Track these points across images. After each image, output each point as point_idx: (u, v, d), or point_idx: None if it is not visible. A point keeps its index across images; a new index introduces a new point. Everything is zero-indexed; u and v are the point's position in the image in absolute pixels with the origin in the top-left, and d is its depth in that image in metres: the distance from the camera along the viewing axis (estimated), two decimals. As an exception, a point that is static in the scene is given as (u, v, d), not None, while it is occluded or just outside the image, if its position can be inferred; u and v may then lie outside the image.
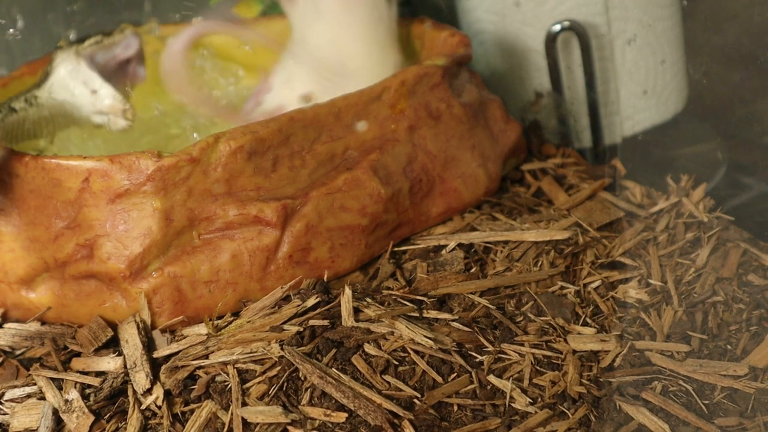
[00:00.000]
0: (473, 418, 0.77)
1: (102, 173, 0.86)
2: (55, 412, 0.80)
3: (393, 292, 0.89)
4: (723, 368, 0.81)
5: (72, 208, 0.87)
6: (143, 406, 0.80)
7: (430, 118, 0.99)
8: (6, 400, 0.82)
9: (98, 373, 0.83)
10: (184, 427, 0.78)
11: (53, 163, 0.86)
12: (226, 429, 0.76)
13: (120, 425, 0.79)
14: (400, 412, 0.76)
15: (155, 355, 0.84)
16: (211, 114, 1.13)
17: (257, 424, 0.76)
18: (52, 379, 0.83)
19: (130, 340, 0.85)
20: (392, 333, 0.83)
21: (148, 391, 0.81)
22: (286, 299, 0.88)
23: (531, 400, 0.78)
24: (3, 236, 0.89)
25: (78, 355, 0.85)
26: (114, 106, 0.96)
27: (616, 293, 0.90)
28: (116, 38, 0.97)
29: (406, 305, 0.87)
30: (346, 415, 0.76)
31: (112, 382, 0.82)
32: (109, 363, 0.83)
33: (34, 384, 0.83)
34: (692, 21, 1.21)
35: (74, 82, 0.95)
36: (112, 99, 0.96)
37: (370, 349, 0.82)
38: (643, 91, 1.19)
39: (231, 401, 0.78)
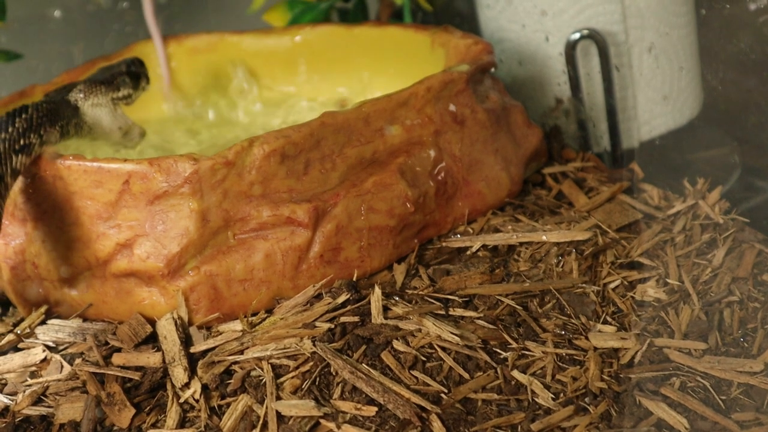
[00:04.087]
0: (498, 413, 0.80)
1: (141, 176, 0.88)
2: (98, 404, 0.83)
3: (419, 291, 0.92)
4: (739, 365, 0.83)
5: (113, 209, 0.90)
6: (182, 400, 0.83)
7: (455, 123, 1.02)
8: (51, 394, 0.85)
9: (138, 368, 0.86)
10: (221, 419, 0.81)
11: (95, 166, 0.89)
12: (261, 422, 0.79)
13: (159, 418, 0.82)
14: (427, 406, 0.79)
15: (192, 350, 0.87)
16: None
17: (291, 417, 0.79)
18: (95, 373, 0.86)
19: (169, 336, 0.88)
20: (420, 330, 0.86)
21: (186, 385, 0.84)
22: (318, 297, 0.91)
23: (554, 396, 0.81)
24: (47, 236, 0.92)
25: (119, 350, 0.88)
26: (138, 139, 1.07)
27: (635, 292, 0.93)
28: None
29: (433, 303, 0.90)
30: (375, 408, 0.79)
31: (152, 377, 0.85)
32: (149, 358, 0.86)
33: (77, 378, 0.86)
34: (707, 29, 1.24)
35: (112, 126, 1.03)
36: (139, 135, 1.07)
37: (398, 345, 0.85)
38: (661, 97, 1.21)
39: (266, 395, 0.81)
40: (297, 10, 1.27)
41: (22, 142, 0.88)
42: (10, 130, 0.88)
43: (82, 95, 1.00)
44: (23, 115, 0.90)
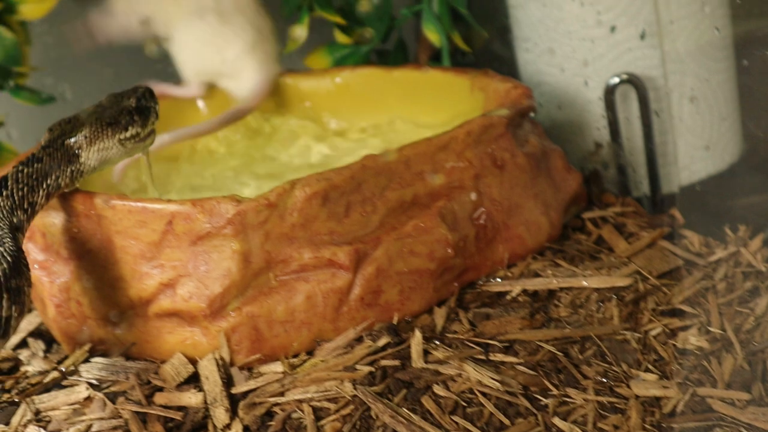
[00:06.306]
0: (539, 460, 0.79)
1: (185, 216, 0.90)
2: (140, 444, 0.83)
3: (460, 336, 0.92)
4: (784, 417, 0.82)
5: (156, 249, 0.91)
6: (222, 441, 0.83)
7: (494, 167, 1.02)
8: (94, 432, 0.86)
9: (180, 408, 0.86)
10: (261, 461, 0.81)
11: (139, 206, 0.91)
12: (301, 464, 0.79)
13: (200, 458, 0.83)
14: (468, 452, 0.79)
15: (234, 391, 0.87)
16: None
17: (331, 460, 0.80)
18: (137, 412, 0.86)
19: (210, 376, 0.88)
20: (460, 375, 0.86)
21: (228, 426, 0.84)
22: (359, 340, 0.91)
23: (595, 444, 0.81)
24: (91, 275, 0.93)
25: (161, 389, 0.89)
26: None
27: (676, 340, 0.92)
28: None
29: (474, 348, 0.90)
30: (416, 454, 0.79)
31: (194, 417, 0.85)
32: (191, 398, 0.87)
33: (120, 417, 0.86)
34: (747, 74, 1.23)
35: (120, 160, 0.98)
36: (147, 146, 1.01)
37: (439, 390, 0.85)
38: (701, 142, 1.21)
39: (306, 438, 0.82)
40: (338, 54, 1.28)
41: (15, 219, 0.86)
42: None
43: (85, 142, 0.93)
44: (4, 192, 0.86)
